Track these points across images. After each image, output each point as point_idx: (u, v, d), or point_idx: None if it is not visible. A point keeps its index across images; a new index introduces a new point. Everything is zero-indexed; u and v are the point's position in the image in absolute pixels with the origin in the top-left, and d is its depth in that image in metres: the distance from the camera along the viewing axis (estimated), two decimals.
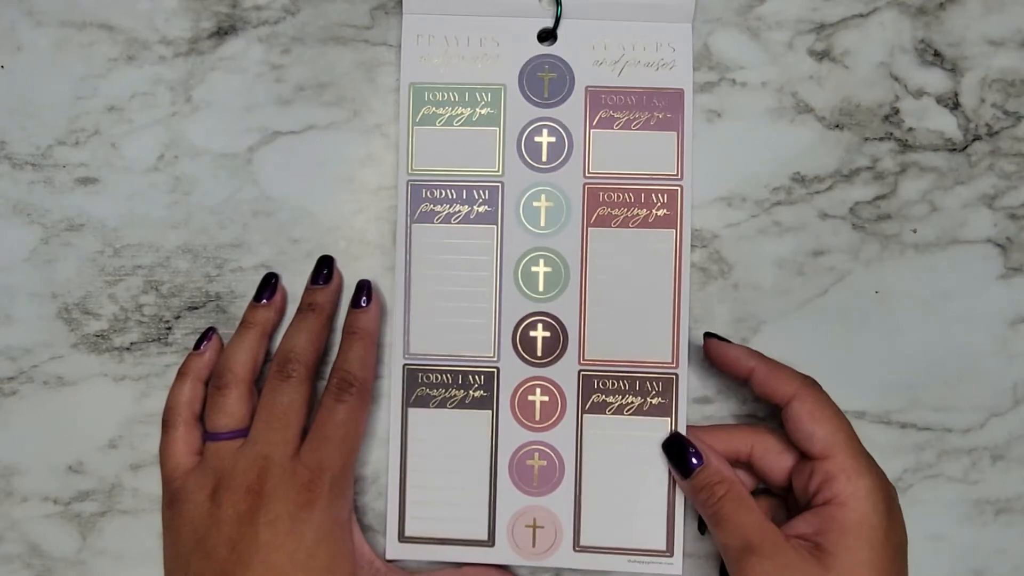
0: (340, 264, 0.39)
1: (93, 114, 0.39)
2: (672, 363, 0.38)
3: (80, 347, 0.39)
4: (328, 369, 0.39)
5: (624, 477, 0.38)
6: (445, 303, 0.38)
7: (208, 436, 0.36)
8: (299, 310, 0.38)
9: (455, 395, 0.38)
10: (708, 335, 0.38)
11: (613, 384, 0.38)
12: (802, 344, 0.39)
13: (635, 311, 0.38)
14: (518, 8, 0.38)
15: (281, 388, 0.36)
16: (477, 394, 0.38)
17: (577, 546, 0.38)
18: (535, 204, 0.38)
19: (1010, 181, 0.39)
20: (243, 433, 0.36)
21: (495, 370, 0.38)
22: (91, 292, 0.39)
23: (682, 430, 0.37)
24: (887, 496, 0.34)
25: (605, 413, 0.38)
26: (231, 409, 0.36)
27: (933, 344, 0.39)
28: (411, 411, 0.38)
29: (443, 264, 0.38)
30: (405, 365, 0.38)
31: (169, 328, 0.39)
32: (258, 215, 0.39)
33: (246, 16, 0.39)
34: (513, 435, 0.38)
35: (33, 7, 0.39)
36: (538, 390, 0.38)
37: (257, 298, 0.38)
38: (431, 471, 0.38)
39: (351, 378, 0.36)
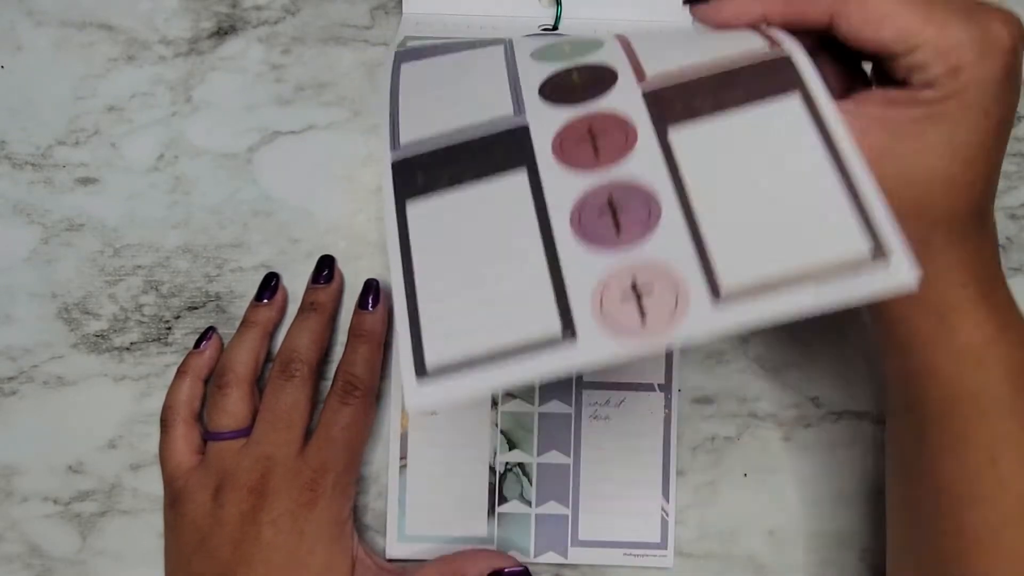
0: (340, 264, 0.39)
1: (93, 114, 0.39)
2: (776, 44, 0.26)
3: (80, 347, 0.39)
4: (331, 368, 0.39)
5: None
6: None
7: (209, 436, 0.36)
8: (301, 310, 0.38)
9: (466, 170, 0.26)
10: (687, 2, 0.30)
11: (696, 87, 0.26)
12: (802, 344, 0.39)
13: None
14: (518, 8, 0.38)
15: (284, 388, 0.36)
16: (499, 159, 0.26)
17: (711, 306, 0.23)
18: None
19: (1010, 181, 0.39)
20: (245, 433, 0.36)
21: (521, 128, 0.26)
22: (91, 292, 0.39)
23: (820, 94, 0.25)
24: (1001, 50, 0.26)
25: (700, 118, 0.25)
26: (233, 409, 0.36)
27: None
28: (409, 205, 0.27)
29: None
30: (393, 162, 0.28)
31: (169, 328, 0.39)
32: (258, 215, 0.39)
33: (246, 16, 0.39)
34: (567, 186, 0.25)
35: (33, 7, 0.39)
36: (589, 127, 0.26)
37: (258, 298, 0.38)
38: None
39: (356, 381, 0.36)
